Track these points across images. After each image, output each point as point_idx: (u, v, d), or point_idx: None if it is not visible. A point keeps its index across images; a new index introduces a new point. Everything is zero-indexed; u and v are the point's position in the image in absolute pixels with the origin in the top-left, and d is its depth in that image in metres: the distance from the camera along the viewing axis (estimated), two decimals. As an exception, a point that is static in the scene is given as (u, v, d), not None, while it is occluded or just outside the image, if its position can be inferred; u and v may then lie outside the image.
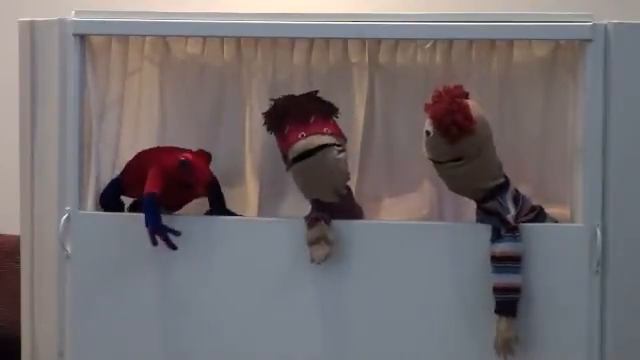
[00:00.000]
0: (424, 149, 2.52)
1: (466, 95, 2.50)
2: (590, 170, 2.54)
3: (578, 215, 2.58)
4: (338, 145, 2.52)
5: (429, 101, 2.48)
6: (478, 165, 2.50)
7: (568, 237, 2.54)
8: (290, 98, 2.59)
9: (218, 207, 2.76)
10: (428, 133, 2.48)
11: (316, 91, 2.60)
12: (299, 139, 2.49)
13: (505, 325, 2.48)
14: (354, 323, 2.59)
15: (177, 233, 2.58)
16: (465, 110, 2.44)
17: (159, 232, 2.56)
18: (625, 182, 2.53)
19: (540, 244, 2.52)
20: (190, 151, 2.67)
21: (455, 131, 2.43)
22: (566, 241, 2.54)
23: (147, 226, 2.56)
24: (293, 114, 2.53)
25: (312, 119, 2.52)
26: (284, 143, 2.55)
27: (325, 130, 2.52)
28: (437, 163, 2.53)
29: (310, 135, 2.50)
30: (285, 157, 2.56)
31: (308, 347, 2.60)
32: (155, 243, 2.56)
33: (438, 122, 2.44)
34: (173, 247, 2.58)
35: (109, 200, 2.73)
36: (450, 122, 2.42)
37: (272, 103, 2.59)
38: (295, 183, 2.59)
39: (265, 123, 2.60)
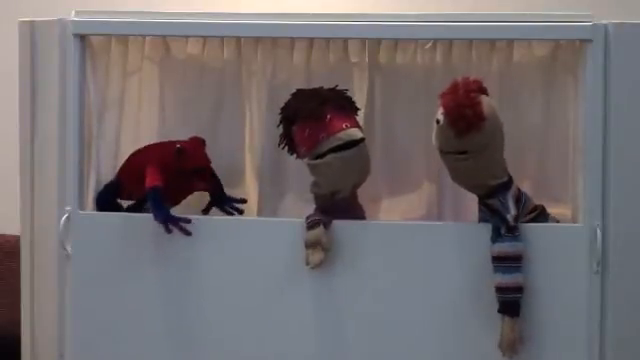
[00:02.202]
0: (433, 137, 2.52)
1: (484, 90, 2.49)
2: (590, 170, 2.54)
3: (579, 215, 2.58)
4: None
5: (445, 90, 2.47)
6: (481, 162, 2.49)
7: (568, 237, 2.54)
8: (319, 89, 2.57)
9: (219, 195, 2.77)
10: (438, 122, 2.46)
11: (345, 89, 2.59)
12: (344, 129, 2.48)
13: (509, 325, 2.48)
14: (354, 323, 2.58)
15: (187, 220, 2.58)
16: (476, 106, 2.43)
17: (171, 221, 2.56)
18: (625, 182, 2.53)
19: (540, 244, 2.52)
20: (184, 140, 2.67)
21: (463, 125, 2.42)
22: (566, 241, 2.54)
23: (156, 219, 2.56)
24: (333, 103, 2.52)
25: (350, 112, 2.53)
26: (321, 131, 2.49)
27: (359, 125, 2.54)
28: (443, 153, 2.52)
29: (353, 127, 2.50)
30: (312, 146, 2.52)
31: (308, 347, 2.60)
32: (169, 231, 2.56)
33: (448, 113, 2.43)
34: (187, 233, 2.58)
35: (105, 204, 2.72)
36: (459, 116, 2.41)
37: (298, 92, 2.56)
38: (314, 174, 2.55)
39: (304, 112, 2.53)
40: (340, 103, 2.53)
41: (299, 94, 2.57)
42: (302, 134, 2.54)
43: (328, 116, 2.50)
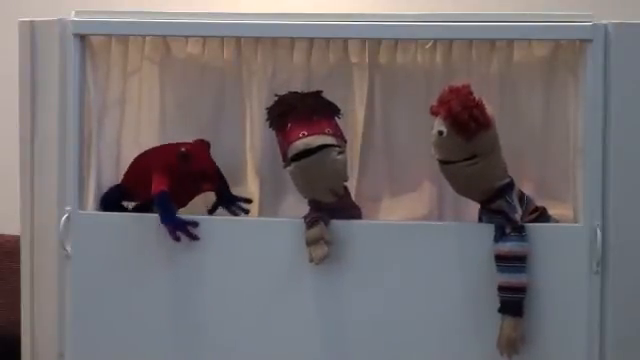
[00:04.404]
0: (433, 150, 2.51)
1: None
2: (590, 170, 2.54)
3: (579, 215, 2.58)
4: (338, 146, 2.52)
5: (435, 102, 2.47)
6: (490, 163, 2.49)
7: (568, 237, 2.54)
8: (294, 95, 2.59)
9: (226, 195, 2.77)
10: (441, 133, 2.45)
11: (320, 91, 2.60)
12: (300, 137, 2.49)
13: (511, 325, 2.47)
14: (354, 323, 2.58)
15: (195, 224, 2.59)
16: (481, 106, 2.43)
17: (179, 227, 2.57)
18: (625, 182, 2.53)
19: (540, 244, 2.52)
20: (188, 143, 2.67)
21: (474, 127, 2.41)
22: (566, 241, 2.54)
23: (164, 223, 2.56)
24: (296, 112, 2.53)
25: (314, 118, 2.52)
26: (284, 140, 2.54)
27: (327, 131, 2.52)
28: (448, 163, 2.50)
29: (311, 135, 2.50)
30: (284, 154, 2.56)
31: (308, 347, 2.60)
32: (178, 239, 2.57)
33: (455, 119, 2.42)
34: (195, 238, 2.59)
35: (109, 207, 2.72)
36: (468, 118, 2.41)
37: (276, 99, 2.59)
38: (292, 181, 2.59)
39: (268, 118, 2.60)
40: (305, 110, 2.52)
41: (277, 100, 2.58)
42: (277, 142, 2.59)
43: (289, 125, 2.52)
